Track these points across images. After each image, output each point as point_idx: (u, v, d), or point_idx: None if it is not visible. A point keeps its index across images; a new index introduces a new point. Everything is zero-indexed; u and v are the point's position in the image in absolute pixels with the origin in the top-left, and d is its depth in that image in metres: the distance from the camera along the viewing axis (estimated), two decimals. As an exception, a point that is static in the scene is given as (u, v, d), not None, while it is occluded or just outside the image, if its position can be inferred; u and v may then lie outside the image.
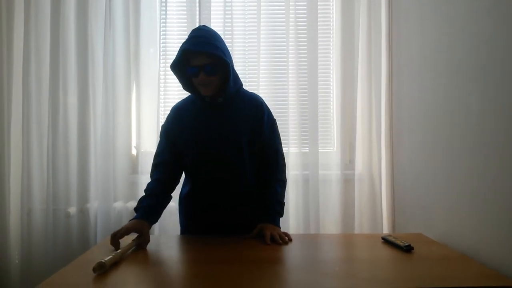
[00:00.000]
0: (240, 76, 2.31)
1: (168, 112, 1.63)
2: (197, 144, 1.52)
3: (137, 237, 1.40)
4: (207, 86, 1.45)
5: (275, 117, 1.64)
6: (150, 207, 1.47)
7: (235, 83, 1.52)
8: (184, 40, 1.46)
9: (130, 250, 1.32)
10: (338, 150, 2.22)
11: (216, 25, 2.19)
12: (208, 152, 1.52)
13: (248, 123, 1.53)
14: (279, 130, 1.65)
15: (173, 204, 2.14)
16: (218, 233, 1.54)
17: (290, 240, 1.47)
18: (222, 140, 1.51)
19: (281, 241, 1.42)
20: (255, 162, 1.58)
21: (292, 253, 1.35)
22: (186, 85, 1.53)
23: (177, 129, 1.55)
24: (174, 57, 1.44)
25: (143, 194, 1.54)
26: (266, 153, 1.58)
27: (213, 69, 1.42)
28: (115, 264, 1.18)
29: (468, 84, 1.38)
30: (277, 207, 1.54)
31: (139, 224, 1.40)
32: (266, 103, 1.63)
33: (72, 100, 2.16)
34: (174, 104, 1.64)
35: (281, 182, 1.59)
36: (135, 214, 1.46)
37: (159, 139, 1.63)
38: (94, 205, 2.14)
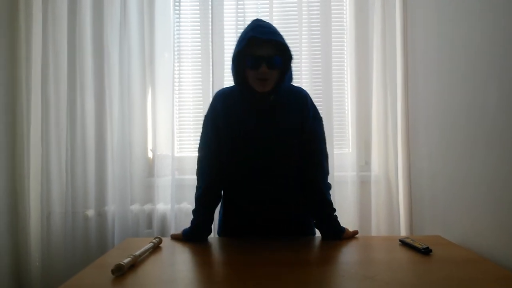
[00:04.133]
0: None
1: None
2: (245, 142, 1.43)
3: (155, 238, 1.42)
4: (265, 81, 1.36)
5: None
6: (204, 223, 1.52)
7: (289, 79, 1.46)
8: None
9: (148, 252, 1.34)
10: (354, 151, 2.19)
11: (229, 29, 2.21)
12: (258, 148, 1.43)
13: (296, 123, 1.46)
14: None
15: (189, 207, 2.17)
16: (257, 230, 1.51)
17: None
18: (276, 137, 1.44)
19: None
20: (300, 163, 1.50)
21: (309, 255, 1.34)
22: (236, 79, 1.43)
23: (224, 118, 1.46)
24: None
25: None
26: (309, 152, 1.49)
27: (276, 61, 1.34)
28: (133, 266, 1.19)
29: (485, 83, 1.35)
30: (336, 218, 1.53)
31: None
32: None
33: (89, 105, 2.19)
34: (219, 90, 1.57)
35: (329, 188, 1.54)
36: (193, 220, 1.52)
37: (202, 129, 1.55)
38: (111, 208, 2.17)
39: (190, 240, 1.50)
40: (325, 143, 1.55)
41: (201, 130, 2.23)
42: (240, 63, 1.38)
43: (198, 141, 1.56)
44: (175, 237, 1.54)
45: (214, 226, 1.68)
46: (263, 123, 1.44)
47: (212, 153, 1.49)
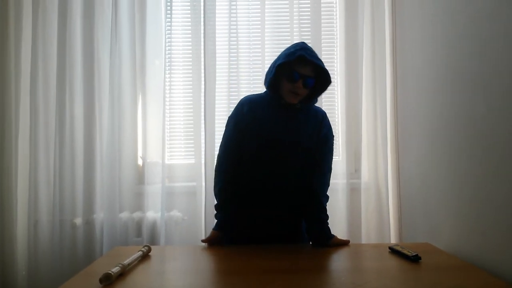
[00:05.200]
0: (245, 86, 2.30)
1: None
2: (267, 143, 1.55)
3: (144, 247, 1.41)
4: (296, 96, 1.53)
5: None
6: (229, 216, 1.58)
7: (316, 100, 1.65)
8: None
9: (137, 261, 1.32)
10: (344, 159, 2.21)
11: (221, 38, 2.23)
12: (275, 153, 1.55)
13: (312, 133, 1.60)
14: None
15: (179, 215, 2.16)
16: (260, 236, 1.56)
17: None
18: (292, 145, 1.56)
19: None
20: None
21: (299, 263, 1.34)
22: (269, 84, 1.57)
23: (250, 120, 1.58)
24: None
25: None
26: (316, 163, 1.60)
27: (310, 83, 1.52)
28: (121, 275, 1.18)
29: (473, 89, 1.37)
30: (327, 225, 1.59)
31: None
32: None
33: (79, 111, 2.18)
34: (245, 96, 1.67)
35: (327, 199, 1.63)
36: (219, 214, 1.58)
37: (224, 129, 1.65)
38: (100, 216, 2.14)
39: (223, 231, 1.56)
40: (332, 157, 1.67)
41: (191, 135, 2.28)
42: (277, 72, 1.53)
43: (220, 140, 1.67)
44: (207, 240, 1.56)
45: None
46: (285, 129, 1.56)
47: (232, 151, 1.60)
